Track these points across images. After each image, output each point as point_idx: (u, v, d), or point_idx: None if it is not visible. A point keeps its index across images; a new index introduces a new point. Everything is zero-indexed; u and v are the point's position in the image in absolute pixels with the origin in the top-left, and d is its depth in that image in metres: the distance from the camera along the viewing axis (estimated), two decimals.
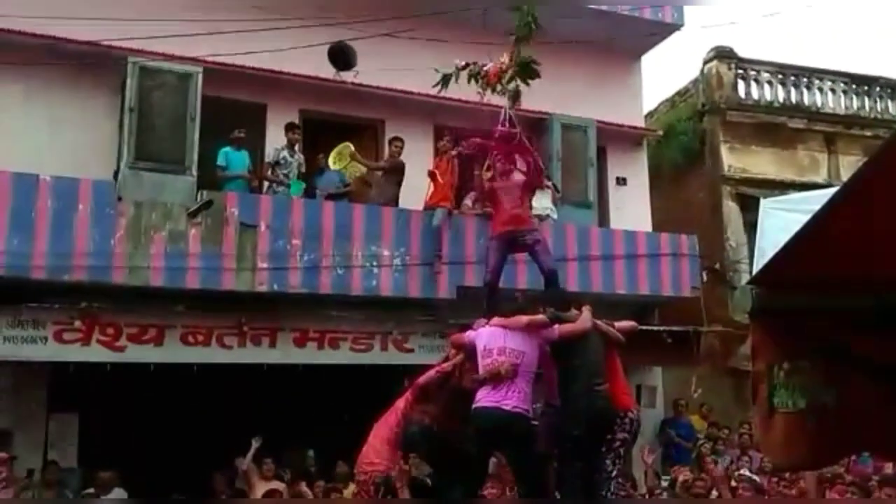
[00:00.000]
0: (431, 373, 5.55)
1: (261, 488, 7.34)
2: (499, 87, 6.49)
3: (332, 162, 9.72)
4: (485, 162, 6.77)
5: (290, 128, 9.42)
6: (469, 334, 5.44)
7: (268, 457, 7.87)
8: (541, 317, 5.28)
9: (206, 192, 8.52)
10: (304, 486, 7.50)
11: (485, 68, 6.51)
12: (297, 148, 9.43)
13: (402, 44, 9.18)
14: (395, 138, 9.66)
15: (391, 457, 5.28)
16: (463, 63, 6.58)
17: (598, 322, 5.44)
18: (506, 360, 4.98)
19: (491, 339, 5.14)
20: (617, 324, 5.72)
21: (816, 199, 2.55)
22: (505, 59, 6.44)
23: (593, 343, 5.28)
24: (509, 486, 5.93)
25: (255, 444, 7.68)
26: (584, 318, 5.35)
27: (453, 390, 5.36)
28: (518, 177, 6.50)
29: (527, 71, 6.40)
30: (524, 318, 5.18)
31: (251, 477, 7.63)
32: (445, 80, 6.77)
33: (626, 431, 5.36)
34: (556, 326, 5.25)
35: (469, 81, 6.63)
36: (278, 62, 9.31)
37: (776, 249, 2.50)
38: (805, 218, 2.28)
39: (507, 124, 6.52)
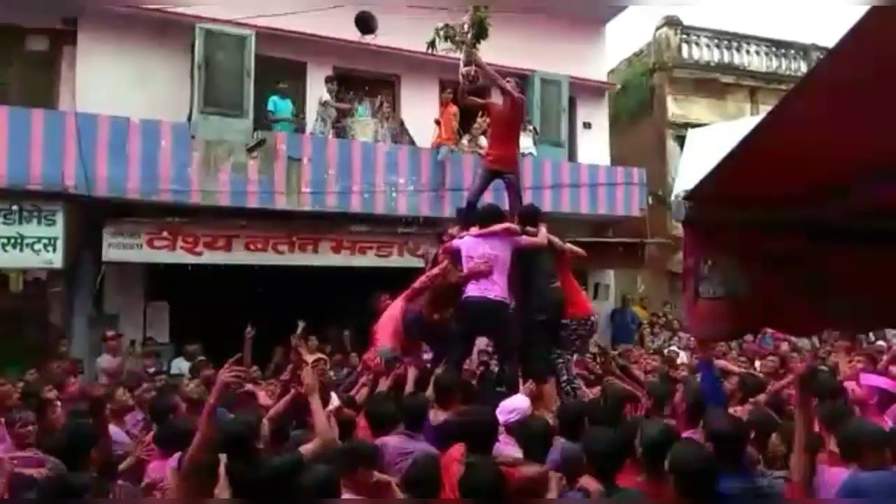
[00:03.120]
0: (424, 277, 5.49)
1: (308, 358, 7.43)
2: (461, 39, 6.17)
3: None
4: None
5: (328, 80, 9.16)
6: (455, 242, 5.32)
7: (313, 335, 7.98)
8: (513, 225, 5.23)
9: (260, 132, 8.38)
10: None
11: (453, 27, 6.20)
12: (332, 97, 9.13)
13: (414, 11, 8.82)
14: None
15: (396, 339, 5.29)
16: (442, 25, 6.28)
17: (552, 237, 5.36)
18: (483, 263, 4.93)
19: (471, 247, 5.04)
20: (568, 246, 5.56)
21: (734, 129, 2.47)
22: (466, 19, 6.15)
23: (547, 253, 5.23)
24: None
25: (300, 325, 7.74)
26: (542, 234, 5.28)
27: (438, 287, 5.33)
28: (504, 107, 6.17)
29: (481, 28, 6.13)
30: (500, 225, 5.12)
31: (300, 350, 7.73)
32: (432, 44, 6.48)
33: (586, 330, 5.35)
34: (522, 236, 5.20)
35: (444, 41, 6.34)
36: (316, 27, 8.99)
37: (697, 167, 2.46)
38: (720, 144, 2.22)
39: (464, 65, 6.17)
